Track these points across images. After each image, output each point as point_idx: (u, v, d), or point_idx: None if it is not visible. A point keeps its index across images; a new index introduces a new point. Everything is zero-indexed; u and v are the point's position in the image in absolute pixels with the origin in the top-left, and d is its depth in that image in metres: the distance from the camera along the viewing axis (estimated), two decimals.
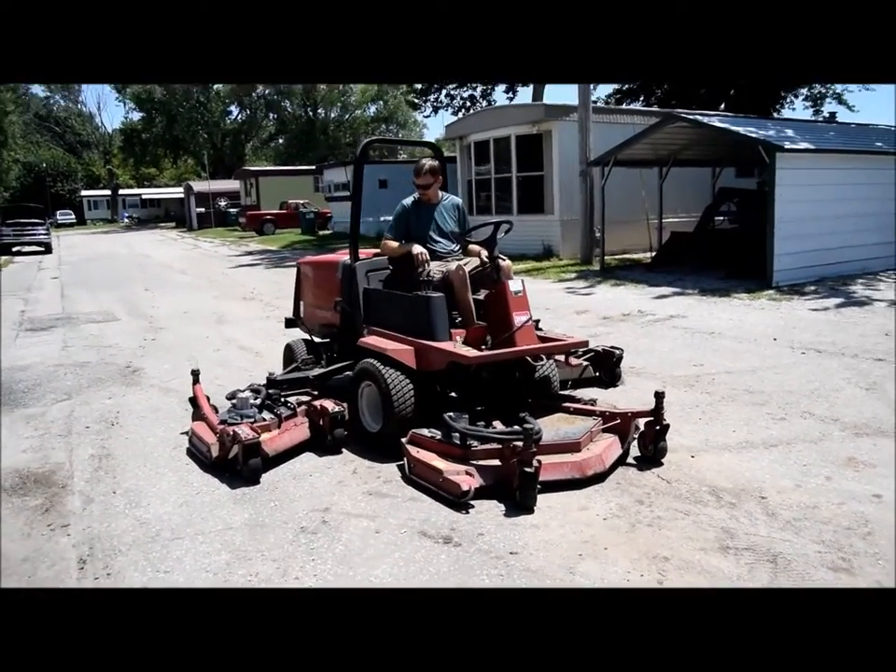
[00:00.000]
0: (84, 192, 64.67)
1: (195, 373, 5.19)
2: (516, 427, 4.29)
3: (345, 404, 4.69)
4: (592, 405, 4.74)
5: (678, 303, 9.82)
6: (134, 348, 8.34)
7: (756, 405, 5.39)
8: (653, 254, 14.45)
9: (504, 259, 4.82)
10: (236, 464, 4.24)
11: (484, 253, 5.03)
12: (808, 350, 7.01)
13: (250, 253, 23.86)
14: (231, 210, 40.58)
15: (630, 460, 4.41)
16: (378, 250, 5.38)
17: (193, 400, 5.12)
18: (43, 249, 27.67)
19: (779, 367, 6.45)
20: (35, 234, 27.64)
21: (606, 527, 3.56)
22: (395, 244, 5.01)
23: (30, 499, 4.12)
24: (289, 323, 6.41)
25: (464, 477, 3.89)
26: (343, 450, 4.69)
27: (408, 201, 5.13)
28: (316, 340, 6.06)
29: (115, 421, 5.49)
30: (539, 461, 3.80)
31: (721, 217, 14.09)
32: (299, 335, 6.36)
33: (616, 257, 15.22)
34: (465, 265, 4.91)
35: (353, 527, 3.62)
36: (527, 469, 3.74)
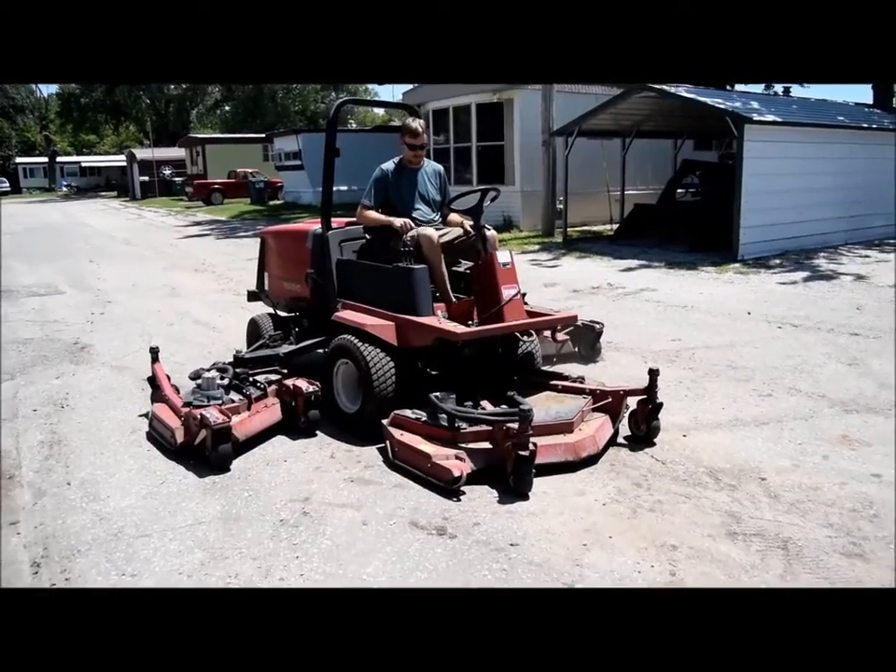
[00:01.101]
0: (19, 160, 61.71)
1: (154, 351, 4.80)
2: (505, 406, 4.06)
3: (318, 383, 4.38)
4: (581, 383, 4.53)
5: (646, 276, 9.69)
6: (82, 323, 7.83)
7: (741, 381, 5.26)
8: (615, 226, 14.33)
9: (489, 229, 4.55)
10: (204, 450, 3.91)
11: (468, 222, 4.74)
12: (784, 324, 6.93)
13: (198, 223, 23.03)
14: (177, 179, 39.12)
15: (620, 440, 4.22)
16: (352, 219, 5.05)
17: (152, 380, 4.74)
18: None
19: (758, 341, 6.35)
20: None
21: (606, 514, 3.37)
22: (374, 213, 4.67)
23: None
24: (252, 296, 6.03)
25: (454, 462, 3.64)
26: (318, 432, 4.40)
27: (388, 165, 4.78)
28: (282, 314, 5.71)
29: (65, 403, 5.07)
30: (535, 444, 3.58)
31: (683, 190, 14.02)
32: (263, 309, 5.99)
33: (577, 229, 15.06)
34: (444, 235, 4.62)
35: (337, 519, 3.35)
36: (523, 453, 3.51)
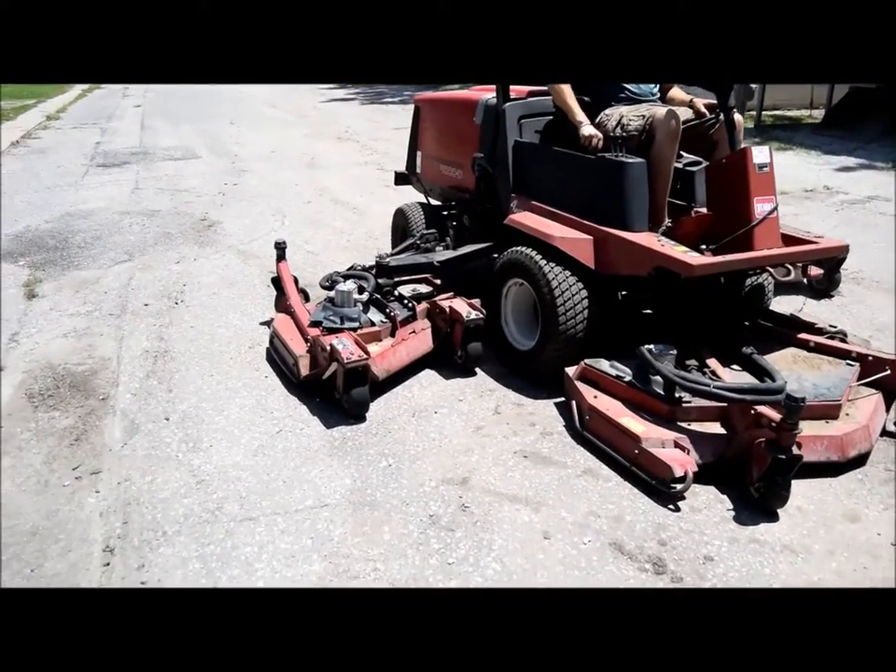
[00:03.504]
0: None
1: (280, 247, 3.88)
2: (744, 373, 2.89)
3: (482, 309, 3.35)
4: (843, 340, 3.23)
5: (872, 179, 7.77)
6: (213, 195, 7.09)
7: None
8: (815, 112, 11.98)
9: (737, 112, 3.22)
10: (333, 388, 3.02)
11: (700, 102, 3.40)
12: None
13: (344, 86, 21.94)
14: None
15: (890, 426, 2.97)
16: (537, 88, 3.80)
17: (277, 282, 3.86)
18: None
19: None
20: None
21: None
22: (568, 90, 3.39)
23: (59, 417, 3.02)
24: (400, 178, 4.93)
25: (676, 454, 2.55)
26: (478, 370, 3.41)
27: None
28: (433, 202, 4.63)
29: (180, 298, 4.31)
30: (800, 444, 2.43)
31: None
32: (412, 195, 4.93)
33: (768, 113, 12.80)
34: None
35: (508, 524, 2.37)
36: (782, 456, 2.37)
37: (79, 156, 9.22)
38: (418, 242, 4.08)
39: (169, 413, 3.02)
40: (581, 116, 3.28)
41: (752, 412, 2.55)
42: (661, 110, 3.14)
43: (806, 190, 7.20)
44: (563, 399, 3.13)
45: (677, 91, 3.60)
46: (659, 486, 2.51)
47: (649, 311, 3.33)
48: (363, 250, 5.27)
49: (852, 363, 3.04)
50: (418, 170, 4.63)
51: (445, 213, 4.47)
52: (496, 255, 3.68)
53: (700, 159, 3.57)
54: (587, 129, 3.22)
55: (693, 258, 2.78)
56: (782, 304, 3.86)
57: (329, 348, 2.94)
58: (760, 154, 2.97)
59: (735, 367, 3.02)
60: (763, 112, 12.03)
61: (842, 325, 3.48)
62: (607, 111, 3.36)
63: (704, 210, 3.36)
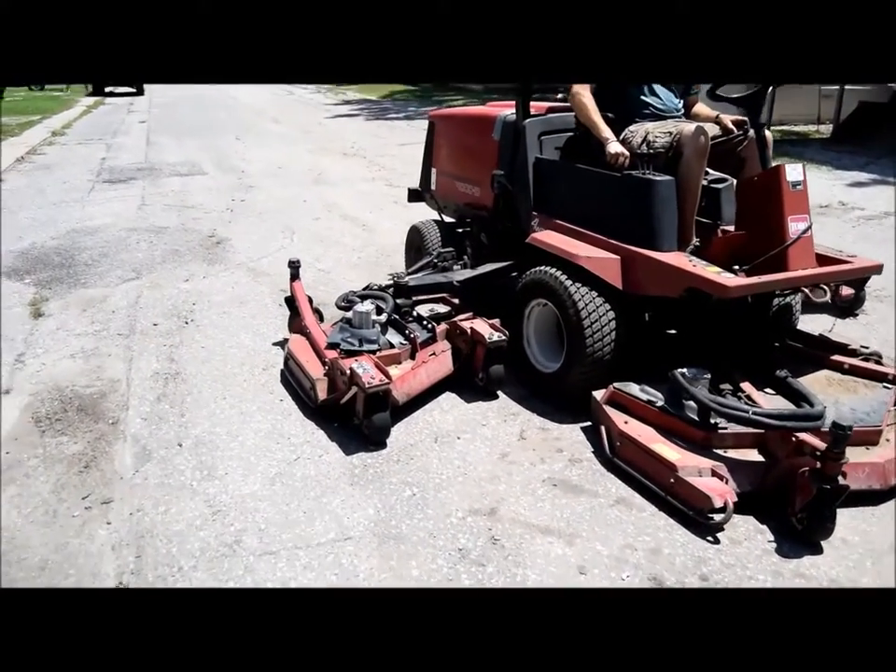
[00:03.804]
0: None
1: (294, 266, 3.79)
2: (778, 397, 2.79)
3: (505, 330, 3.25)
4: (877, 362, 3.13)
5: (885, 195, 7.69)
6: (221, 211, 7.02)
7: None
8: (822, 127, 11.92)
9: (769, 129, 3.14)
10: (353, 413, 2.91)
11: (727, 118, 3.32)
12: None
13: (348, 102, 21.91)
14: None
15: None
16: (555, 104, 3.72)
17: (291, 302, 3.76)
18: (135, 91, 26.32)
19: None
20: None
21: None
22: (592, 105, 3.29)
23: (67, 442, 2.91)
24: (414, 196, 4.83)
25: (714, 483, 2.43)
26: (499, 392, 3.30)
27: None
28: (447, 220, 4.54)
29: (190, 317, 4.21)
30: (845, 473, 2.32)
31: None
32: (423, 212, 4.84)
33: (776, 128, 12.76)
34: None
35: (541, 558, 2.25)
36: (828, 486, 2.26)
37: (85, 172, 9.16)
38: (435, 260, 3.98)
39: (182, 438, 2.91)
40: (607, 132, 3.19)
41: (793, 439, 2.45)
42: (689, 126, 3.05)
43: (821, 206, 7.11)
44: (589, 423, 3.02)
45: (701, 107, 3.52)
46: (697, 517, 2.40)
47: (674, 331, 3.22)
48: (375, 268, 5.18)
49: (889, 386, 2.94)
50: (433, 187, 4.54)
51: (461, 230, 4.39)
52: (514, 273, 3.59)
53: (726, 176, 3.48)
54: (614, 146, 3.13)
55: (727, 279, 2.68)
56: (806, 324, 3.76)
57: (348, 372, 2.83)
58: (793, 172, 2.87)
59: (768, 390, 2.92)
60: (771, 127, 11.98)
61: (869, 344, 3.38)
62: (631, 127, 3.27)
63: (731, 228, 3.28)
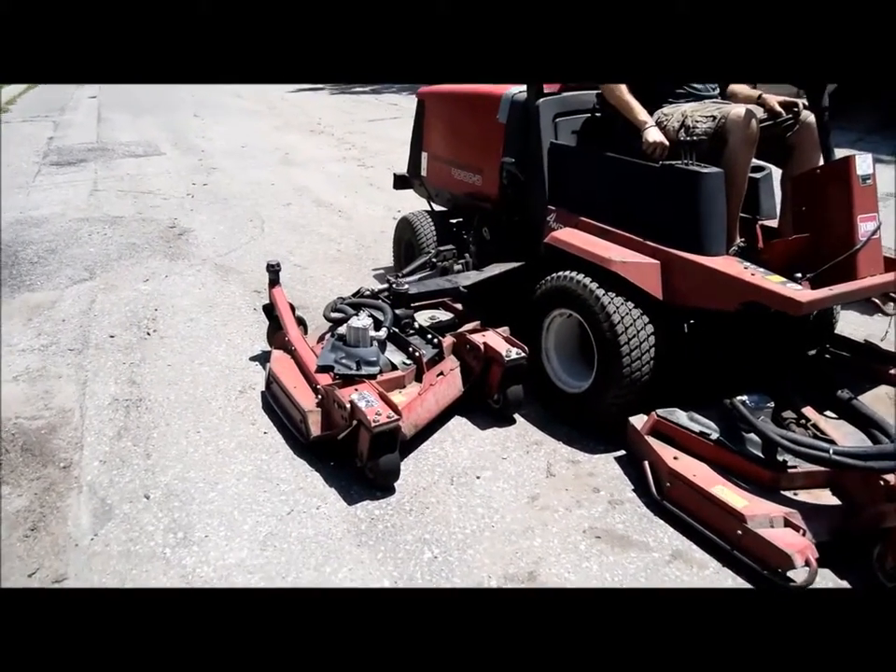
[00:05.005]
0: None
1: (273, 269, 3.30)
2: (849, 430, 2.42)
3: (524, 346, 2.82)
4: None
5: (882, 175, 7.39)
6: (181, 197, 6.43)
7: None
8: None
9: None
10: (354, 453, 2.46)
11: (772, 98, 2.89)
12: None
13: None
14: None
15: None
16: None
17: (270, 311, 3.29)
18: None
19: None
20: None
21: None
22: (625, 91, 2.83)
23: (10, 494, 2.42)
24: (400, 182, 4.34)
25: (790, 537, 2.05)
26: (517, 416, 2.88)
27: None
28: (437, 208, 4.08)
29: (151, 328, 3.69)
30: None
31: None
32: (404, 197, 4.36)
33: None
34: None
35: None
36: None
37: (30, 153, 8.44)
38: (433, 259, 3.52)
39: (149, 487, 2.43)
40: (644, 115, 2.75)
41: (881, 482, 2.07)
42: (735, 109, 2.62)
43: None
44: (624, 452, 2.63)
45: (740, 86, 3.09)
46: (772, 578, 2.02)
47: (719, 348, 2.80)
48: (357, 262, 4.70)
49: None
50: (423, 173, 4.06)
51: (454, 221, 3.93)
52: (526, 275, 3.15)
53: (764, 163, 3.09)
54: (653, 132, 2.68)
55: (797, 292, 2.27)
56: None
57: (348, 406, 2.38)
58: (863, 164, 2.46)
59: (828, 413, 2.55)
60: None
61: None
62: (664, 110, 2.83)
63: (770, 223, 2.91)
